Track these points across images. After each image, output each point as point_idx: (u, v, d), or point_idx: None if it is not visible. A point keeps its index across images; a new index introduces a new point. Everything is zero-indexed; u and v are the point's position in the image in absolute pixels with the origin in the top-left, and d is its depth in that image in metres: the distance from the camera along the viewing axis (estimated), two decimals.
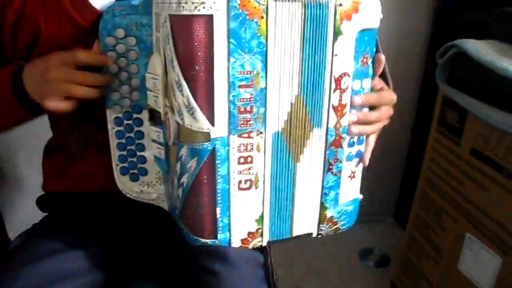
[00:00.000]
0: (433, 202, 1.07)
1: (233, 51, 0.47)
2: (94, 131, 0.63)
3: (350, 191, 0.61)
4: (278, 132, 0.53)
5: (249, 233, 0.57)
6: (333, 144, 0.56)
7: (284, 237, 0.60)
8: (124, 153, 0.58)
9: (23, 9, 0.56)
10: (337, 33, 0.51)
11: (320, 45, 0.51)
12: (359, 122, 0.57)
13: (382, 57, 0.56)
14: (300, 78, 0.51)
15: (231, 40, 0.47)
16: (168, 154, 0.56)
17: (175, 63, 0.47)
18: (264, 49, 0.48)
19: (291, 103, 0.52)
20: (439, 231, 1.05)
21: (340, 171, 0.58)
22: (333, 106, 0.54)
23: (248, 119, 0.50)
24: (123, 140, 0.57)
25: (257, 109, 0.50)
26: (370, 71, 0.56)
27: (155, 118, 0.55)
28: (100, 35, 0.53)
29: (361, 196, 0.63)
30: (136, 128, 0.57)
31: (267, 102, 0.51)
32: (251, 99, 0.50)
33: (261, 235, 0.58)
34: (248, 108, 0.50)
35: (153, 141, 0.57)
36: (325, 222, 0.60)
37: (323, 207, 0.59)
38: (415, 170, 1.16)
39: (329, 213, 0.60)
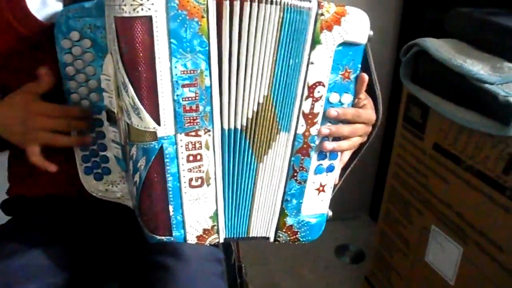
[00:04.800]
0: (401, 196, 1.09)
1: (174, 51, 0.48)
2: None
3: (316, 204, 0.61)
4: (236, 129, 0.54)
5: (204, 230, 0.57)
6: (300, 152, 0.56)
7: (240, 236, 0.61)
8: (87, 153, 0.58)
9: None
10: (315, 41, 0.51)
11: (296, 51, 0.51)
12: (332, 135, 0.56)
13: (365, 76, 0.55)
14: (271, 79, 0.52)
15: (172, 40, 0.47)
16: (125, 154, 0.56)
17: (120, 64, 0.48)
18: (207, 48, 0.49)
19: (258, 103, 0.53)
20: (407, 224, 1.07)
21: (305, 181, 0.58)
22: (303, 113, 0.54)
23: (194, 118, 0.51)
24: None
25: (203, 107, 0.51)
26: (352, 86, 0.55)
27: (111, 118, 0.56)
28: (55, 38, 0.53)
29: (330, 213, 0.63)
30: (97, 129, 0.57)
31: (213, 100, 0.52)
32: (196, 98, 0.50)
33: (217, 232, 0.59)
34: (194, 107, 0.51)
35: (112, 141, 0.57)
36: (284, 230, 0.61)
37: (283, 213, 0.60)
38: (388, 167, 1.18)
39: (289, 221, 0.60)
